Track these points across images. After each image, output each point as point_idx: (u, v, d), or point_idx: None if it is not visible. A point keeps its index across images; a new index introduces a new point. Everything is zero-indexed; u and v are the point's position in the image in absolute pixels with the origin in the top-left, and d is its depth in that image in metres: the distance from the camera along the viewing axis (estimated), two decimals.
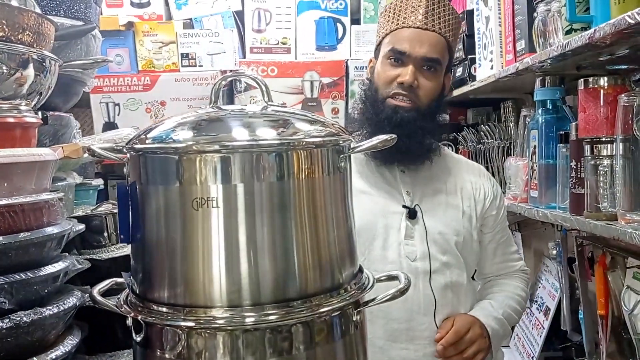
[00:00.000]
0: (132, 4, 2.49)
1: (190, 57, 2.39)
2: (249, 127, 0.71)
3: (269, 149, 0.68)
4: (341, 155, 0.74)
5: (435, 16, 1.26)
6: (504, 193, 1.52)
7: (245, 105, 0.80)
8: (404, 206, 1.26)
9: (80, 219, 1.17)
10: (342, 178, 0.75)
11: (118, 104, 2.32)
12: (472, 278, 1.36)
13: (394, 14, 1.30)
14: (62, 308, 0.89)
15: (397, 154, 1.23)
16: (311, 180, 0.71)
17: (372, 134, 1.25)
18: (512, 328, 1.39)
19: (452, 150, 1.95)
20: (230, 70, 2.46)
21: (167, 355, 0.69)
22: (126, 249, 1.20)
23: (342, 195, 0.75)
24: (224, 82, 0.81)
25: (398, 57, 1.25)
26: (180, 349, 0.68)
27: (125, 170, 0.75)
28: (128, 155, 0.74)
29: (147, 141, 0.72)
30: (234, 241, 0.68)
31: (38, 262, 0.90)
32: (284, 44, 2.54)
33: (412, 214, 1.25)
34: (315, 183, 0.71)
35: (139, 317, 0.70)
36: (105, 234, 1.22)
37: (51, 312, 0.86)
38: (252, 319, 0.67)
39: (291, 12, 2.55)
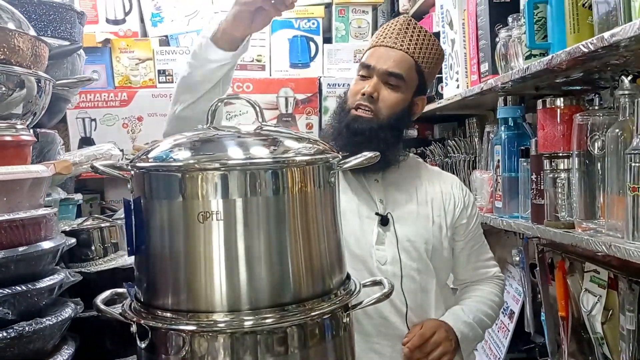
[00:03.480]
0: (107, 20, 2.51)
1: (167, 73, 2.43)
2: (244, 146, 0.78)
3: (265, 167, 0.75)
4: (331, 171, 0.81)
5: (407, 38, 1.36)
6: None
7: (240, 124, 0.87)
8: (377, 213, 1.33)
9: (68, 234, 1.19)
10: (331, 192, 0.82)
11: (94, 120, 2.33)
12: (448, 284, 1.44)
13: (373, 38, 1.41)
14: (59, 318, 0.92)
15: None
16: (304, 195, 0.78)
17: (335, 141, 1.32)
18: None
19: None
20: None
21: (171, 359, 0.74)
22: (113, 263, 1.23)
23: (332, 207, 0.82)
24: (219, 104, 0.87)
25: (365, 71, 1.35)
26: (184, 353, 0.74)
27: (129, 186, 0.80)
28: (132, 172, 0.79)
29: (149, 160, 0.77)
30: (234, 251, 0.74)
31: (36, 275, 0.93)
32: (258, 61, 2.60)
33: (384, 221, 1.33)
34: (308, 197, 0.78)
35: (143, 322, 0.75)
36: (93, 248, 1.25)
37: (50, 322, 0.89)
38: (251, 322, 0.73)
39: (265, 30, 2.61)
